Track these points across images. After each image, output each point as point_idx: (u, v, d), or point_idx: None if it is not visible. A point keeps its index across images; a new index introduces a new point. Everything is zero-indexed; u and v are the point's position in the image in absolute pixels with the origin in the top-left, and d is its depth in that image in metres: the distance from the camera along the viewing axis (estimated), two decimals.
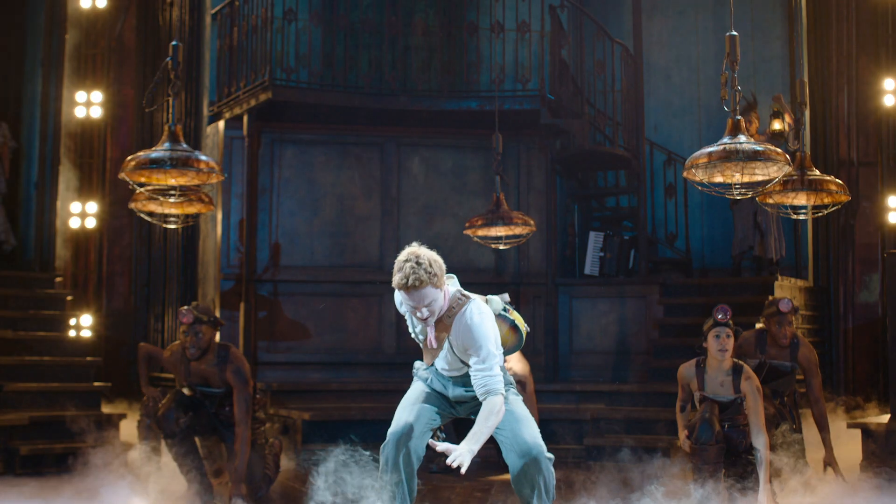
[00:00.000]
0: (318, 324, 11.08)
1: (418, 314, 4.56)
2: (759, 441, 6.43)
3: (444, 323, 4.67)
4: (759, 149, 5.43)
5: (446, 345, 4.72)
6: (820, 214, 7.00)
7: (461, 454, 4.41)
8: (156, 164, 5.92)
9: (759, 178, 5.66)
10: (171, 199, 6.49)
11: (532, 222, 9.32)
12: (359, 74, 10.94)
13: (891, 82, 11.27)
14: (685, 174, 5.65)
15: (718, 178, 5.70)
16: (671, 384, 9.85)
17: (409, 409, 4.78)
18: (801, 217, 7.04)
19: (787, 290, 10.69)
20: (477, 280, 10.30)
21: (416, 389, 4.89)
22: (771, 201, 6.76)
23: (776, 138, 10.62)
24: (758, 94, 11.33)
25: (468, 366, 4.68)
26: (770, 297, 7.89)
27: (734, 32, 5.62)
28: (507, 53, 11.23)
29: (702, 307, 10.79)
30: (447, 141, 11.46)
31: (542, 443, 4.71)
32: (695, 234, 12.29)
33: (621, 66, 11.59)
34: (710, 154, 5.47)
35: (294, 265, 11.12)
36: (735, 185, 5.69)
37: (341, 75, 10.91)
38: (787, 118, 10.80)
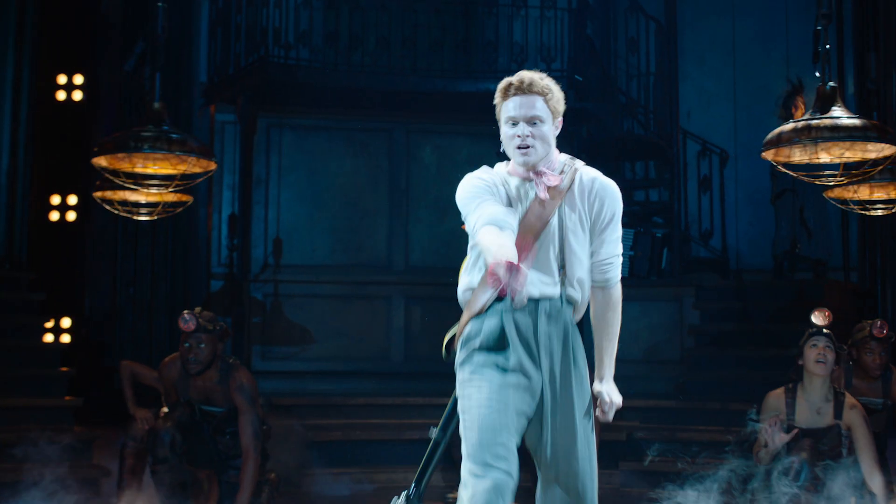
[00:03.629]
0: (318, 329, 10.10)
1: (521, 131, 3.39)
2: (875, 482, 5.47)
3: (554, 188, 3.44)
4: (862, 123, 4.42)
5: (555, 221, 3.43)
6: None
7: (611, 403, 3.55)
8: (134, 148, 4.86)
9: (871, 155, 4.63)
10: (154, 190, 5.47)
11: None
12: (365, 53, 10.00)
13: None
14: (765, 154, 4.64)
15: (824, 158, 4.68)
16: (712, 400, 9.03)
17: (502, 439, 3.25)
18: (880, 212, 6.01)
19: (835, 293, 9.79)
20: None
21: (493, 393, 3.31)
22: (852, 195, 5.73)
23: None
24: (803, 78, 10.39)
25: (563, 259, 3.44)
26: (862, 322, 6.77)
27: None
28: (528, 31, 10.28)
29: (740, 312, 9.94)
30: (462, 128, 10.48)
31: None
32: (731, 232, 11.30)
33: (654, 46, 10.63)
34: (806, 128, 4.45)
35: (292, 264, 10.15)
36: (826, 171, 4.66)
37: (345, 54, 9.96)
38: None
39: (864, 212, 6.09)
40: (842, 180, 4.82)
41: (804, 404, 5.63)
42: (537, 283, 3.39)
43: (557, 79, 10.11)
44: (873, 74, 6.16)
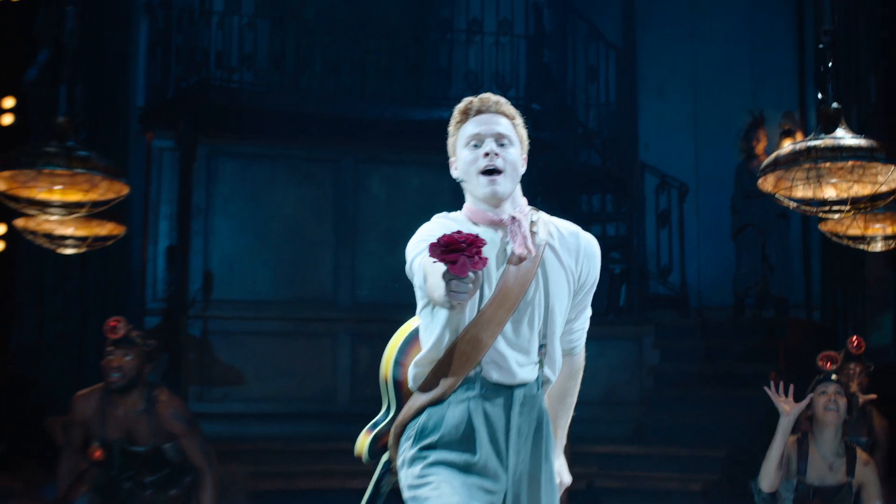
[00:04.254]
0: (259, 368, 9.54)
1: (489, 147, 2.84)
2: None
3: (522, 235, 2.81)
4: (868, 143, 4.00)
5: (536, 285, 2.81)
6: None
7: (560, 484, 3.02)
8: (26, 164, 4.28)
9: (884, 188, 4.21)
10: (53, 217, 4.90)
11: None
12: (312, 77, 9.55)
13: None
14: (763, 184, 4.21)
15: (830, 193, 4.25)
16: (675, 444, 8.62)
17: None
18: (879, 248, 5.62)
19: (798, 332, 9.61)
20: None
21: (455, 495, 2.68)
22: (845, 230, 5.32)
23: None
24: (765, 111, 10.13)
25: (545, 334, 2.84)
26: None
27: None
28: (484, 58, 9.87)
29: (702, 352, 9.60)
30: (412, 157, 10.00)
31: None
32: (691, 268, 10.92)
33: (614, 75, 10.28)
34: (806, 150, 4.02)
35: (233, 299, 9.59)
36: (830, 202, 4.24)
37: (291, 78, 9.48)
38: (800, 137, 9.66)
39: (860, 246, 5.70)
40: (848, 213, 4.39)
41: (817, 458, 5.18)
42: (513, 367, 2.80)
43: (515, 107, 9.65)
44: (873, 98, 5.81)
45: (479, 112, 2.92)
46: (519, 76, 9.84)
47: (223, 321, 9.52)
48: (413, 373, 2.87)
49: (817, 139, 4.25)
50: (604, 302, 10.12)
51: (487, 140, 2.87)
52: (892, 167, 4.18)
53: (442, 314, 2.76)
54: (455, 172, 2.98)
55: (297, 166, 9.91)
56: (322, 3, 9.79)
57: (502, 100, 2.97)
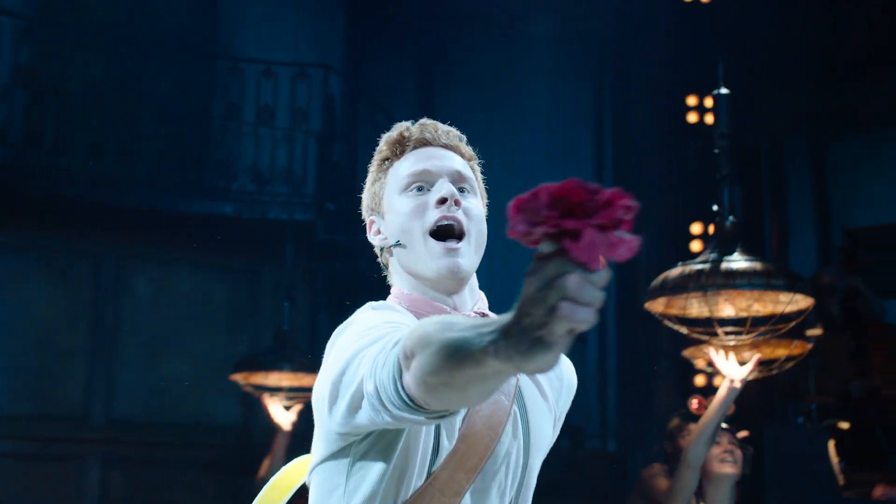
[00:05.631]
0: None
1: (447, 191, 1.87)
2: None
3: None
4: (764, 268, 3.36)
5: (510, 431, 1.83)
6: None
7: None
8: None
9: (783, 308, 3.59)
10: None
11: None
12: (74, 159, 8.53)
13: None
14: (651, 305, 3.51)
15: (727, 311, 3.57)
16: None
17: None
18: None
19: (595, 462, 9.63)
20: (217, 441, 8.18)
21: None
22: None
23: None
24: None
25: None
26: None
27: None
28: (276, 151, 9.11)
29: None
30: (186, 257, 9.03)
31: None
32: None
33: None
34: (695, 274, 3.34)
35: None
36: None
37: (50, 158, 8.47)
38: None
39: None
40: (745, 339, 3.75)
41: None
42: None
43: (306, 206, 8.60)
44: (738, 209, 5.31)
45: (422, 143, 1.97)
46: (310, 173, 9.11)
47: None
48: None
49: (708, 262, 3.63)
50: None
51: (440, 181, 1.91)
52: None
53: (374, 471, 1.70)
54: (377, 238, 2.01)
55: (51, 260, 8.83)
56: (90, 78, 8.79)
57: (454, 130, 2.03)
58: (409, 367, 1.38)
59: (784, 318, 3.95)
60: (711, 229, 8.76)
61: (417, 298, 1.90)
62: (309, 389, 6.54)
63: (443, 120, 2.05)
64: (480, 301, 1.95)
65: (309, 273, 9.23)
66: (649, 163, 9.77)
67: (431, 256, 1.86)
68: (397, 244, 1.89)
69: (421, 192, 1.90)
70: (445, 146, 1.96)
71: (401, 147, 1.97)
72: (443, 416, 1.43)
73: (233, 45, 9.43)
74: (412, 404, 1.41)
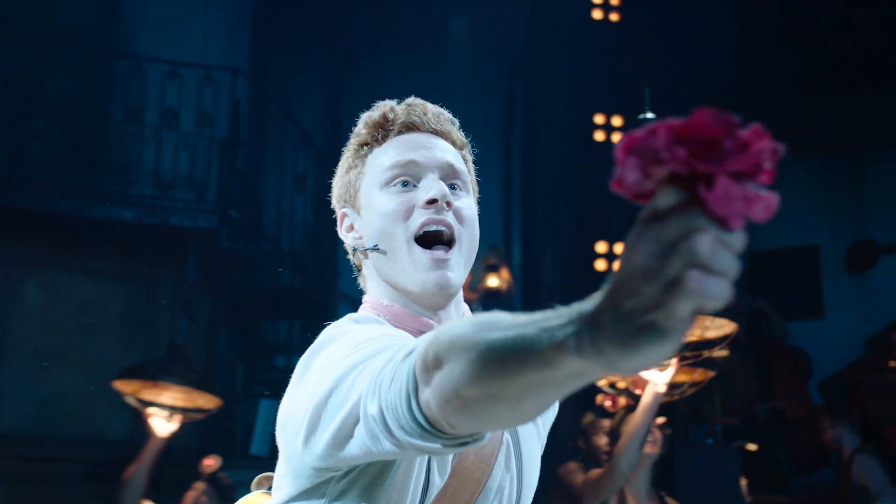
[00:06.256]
0: None
1: (437, 191, 1.62)
2: None
3: None
4: None
5: (503, 463, 1.62)
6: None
7: None
8: None
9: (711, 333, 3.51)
10: None
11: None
12: None
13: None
14: None
15: None
16: None
17: None
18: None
19: None
20: (107, 457, 7.57)
21: None
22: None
23: (492, 298, 8.86)
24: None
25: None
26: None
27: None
28: (179, 156, 8.73)
29: None
30: (80, 264, 8.56)
31: None
32: None
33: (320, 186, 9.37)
34: None
35: None
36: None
37: None
38: (506, 274, 9.18)
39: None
40: (668, 364, 3.66)
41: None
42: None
43: (209, 213, 8.23)
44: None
45: (409, 128, 1.70)
46: (213, 180, 8.75)
47: None
48: None
49: None
50: None
51: (429, 177, 1.65)
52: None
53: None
54: (349, 235, 1.73)
55: None
56: None
57: (446, 112, 1.76)
58: (429, 381, 1.13)
59: (705, 343, 3.88)
60: (617, 248, 8.78)
61: (399, 311, 1.64)
62: (195, 410, 6.23)
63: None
64: (466, 314, 1.72)
65: (209, 283, 8.89)
66: (557, 180, 9.68)
67: (416, 267, 1.61)
68: (375, 248, 1.64)
69: (406, 188, 1.65)
70: (435, 132, 1.71)
71: (383, 131, 1.71)
72: (465, 444, 1.20)
73: (135, 44, 9.04)
74: (429, 427, 1.17)
